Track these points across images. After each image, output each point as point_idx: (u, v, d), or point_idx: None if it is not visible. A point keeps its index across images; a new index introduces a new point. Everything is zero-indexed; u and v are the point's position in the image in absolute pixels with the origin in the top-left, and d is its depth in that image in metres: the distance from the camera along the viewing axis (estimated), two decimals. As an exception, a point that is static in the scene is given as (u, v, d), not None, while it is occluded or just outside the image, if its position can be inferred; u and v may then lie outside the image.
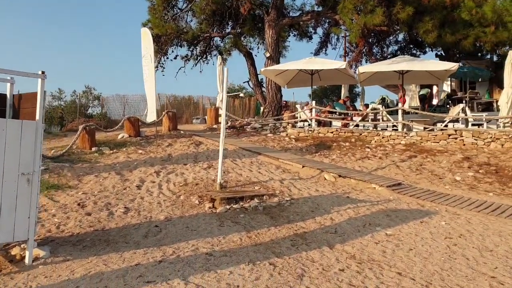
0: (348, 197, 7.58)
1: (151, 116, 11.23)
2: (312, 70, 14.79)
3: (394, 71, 13.96)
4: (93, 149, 10.32)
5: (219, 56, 17.83)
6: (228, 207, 6.57)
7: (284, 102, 19.47)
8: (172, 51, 23.79)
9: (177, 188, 7.58)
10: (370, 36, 23.57)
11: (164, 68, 23.56)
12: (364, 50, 24.88)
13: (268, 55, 17.06)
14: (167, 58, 23.60)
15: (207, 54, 23.70)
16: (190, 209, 6.44)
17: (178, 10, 19.76)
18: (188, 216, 6.08)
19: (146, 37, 11.36)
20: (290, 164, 9.91)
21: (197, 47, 24.79)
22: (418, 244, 5.15)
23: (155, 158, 9.78)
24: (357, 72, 13.60)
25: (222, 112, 7.87)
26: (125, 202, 6.70)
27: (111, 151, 10.22)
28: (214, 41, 25.23)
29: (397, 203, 7.29)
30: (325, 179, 8.88)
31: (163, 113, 13.15)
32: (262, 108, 18.96)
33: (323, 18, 18.78)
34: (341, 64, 12.99)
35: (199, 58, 25.44)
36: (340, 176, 8.96)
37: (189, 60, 23.98)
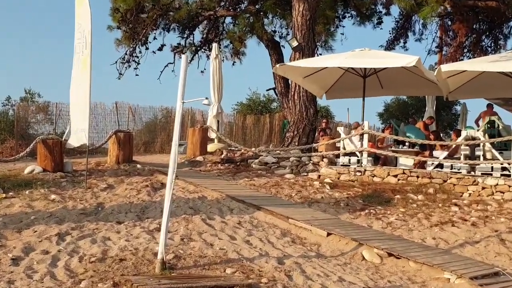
0: (393, 298, 6.47)
1: (80, 138, 10.55)
2: (365, 69, 13.88)
3: (507, 74, 12.79)
4: (-25, 189, 9.75)
5: (214, 44, 17.15)
6: (156, 310, 5.57)
7: (324, 123, 18.56)
8: (155, 38, 23.69)
9: (84, 267, 6.69)
10: (477, 20, 22.42)
11: (138, 63, 23.36)
12: (466, 42, 23.75)
13: (295, 43, 16.11)
14: (147, 48, 23.49)
15: (211, 42, 23.23)
16: (83, 311, 5.47)
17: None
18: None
19: (81, 7, 10.85)
20: (307, 228, 9.13)
21: (194, 32, 24.48)
22: None
23: (72, 210, 9.14)
24: (434, 74, 12.43)
25: (175, 129, 7.00)
26: (-28, 289, 5.83)
27: (3, 195, 9.67)
28: (224, 24, 24.88)
29: (485, 316, 6.07)
30: (363, 258, 8.03)
31: (110, 133, 12.41)
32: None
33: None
34: (410, 59, 11.82)
35: (197, 49, 25.07)
36: (391, 254, 8.02)
37: (182, 52, 23.66)
